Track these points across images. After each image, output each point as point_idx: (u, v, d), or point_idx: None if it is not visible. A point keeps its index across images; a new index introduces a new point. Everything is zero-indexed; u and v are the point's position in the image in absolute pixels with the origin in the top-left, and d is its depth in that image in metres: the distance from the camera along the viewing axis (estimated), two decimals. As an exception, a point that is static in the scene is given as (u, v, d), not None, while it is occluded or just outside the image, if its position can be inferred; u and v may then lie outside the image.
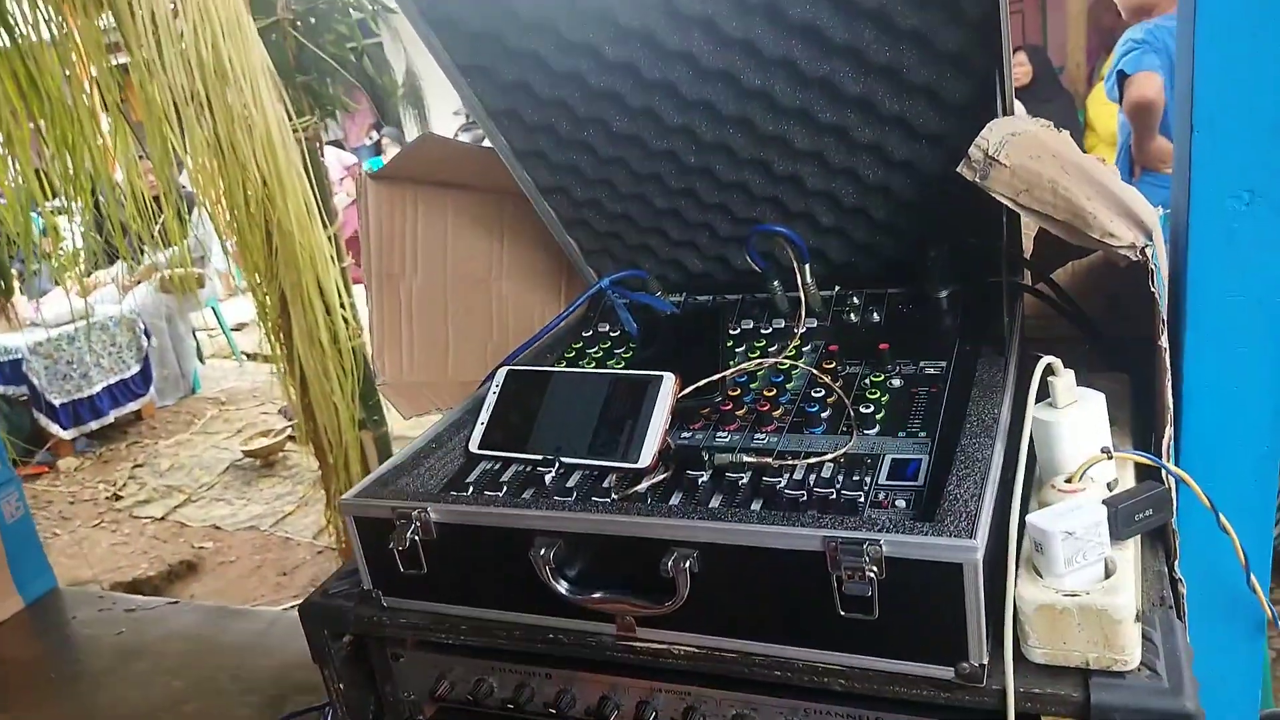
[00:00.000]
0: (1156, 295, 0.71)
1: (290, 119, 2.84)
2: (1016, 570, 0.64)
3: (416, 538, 0.78)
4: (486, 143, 1.11)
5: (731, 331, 1.04)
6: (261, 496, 4.50)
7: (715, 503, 0.77)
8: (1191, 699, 0.60)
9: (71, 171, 3.05)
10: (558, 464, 0.86)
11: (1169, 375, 0.72)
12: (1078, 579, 0.62)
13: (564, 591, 0.74)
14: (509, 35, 0.96)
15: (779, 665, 0.69)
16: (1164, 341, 0.71)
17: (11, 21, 2.31)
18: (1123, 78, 2.39)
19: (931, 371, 0.89)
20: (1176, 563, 0.72)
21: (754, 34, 0.89)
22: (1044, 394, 0.72)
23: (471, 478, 0.88)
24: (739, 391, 0.92)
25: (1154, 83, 2.30)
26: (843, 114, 0.93)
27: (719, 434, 0.87)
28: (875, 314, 0.99)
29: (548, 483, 0.85)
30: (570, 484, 0.84)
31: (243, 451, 4.85)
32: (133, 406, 5.54)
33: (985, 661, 0.63)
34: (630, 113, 1.00)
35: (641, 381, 0.90)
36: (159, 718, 1.38)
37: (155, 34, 2.28)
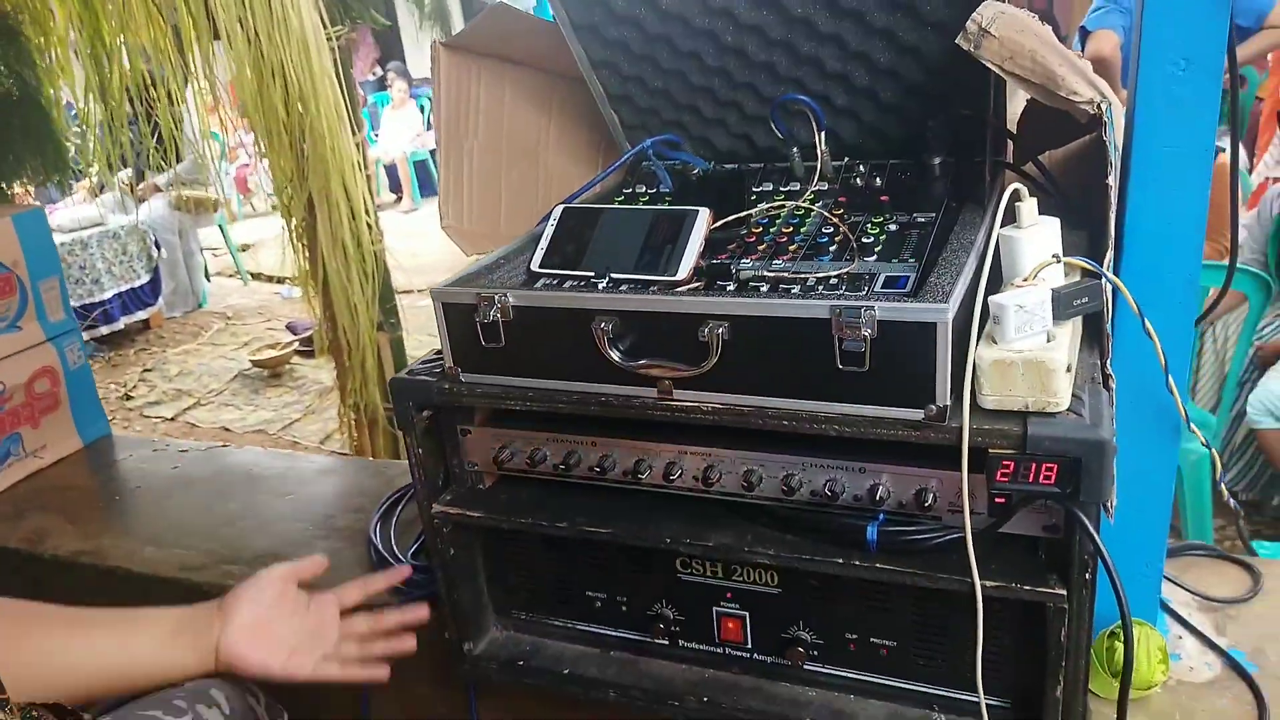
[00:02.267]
0: (1107, 141, 0.89)
1: (325, 26, 2.98)
2: (978, 338, 0.82)
3: (497, 317, 0.96)
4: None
5: (754, 189, 1.21)
6: (269, 404, 4.68)
7: (741, 299, 0.95)
8: (1107, 431, 0.78)
9: (109, 72, 3.17)
10: (608, 278, 1.04)
11: (1113, 208, 0.90)
12: (1024, 344, 0.81)
13: (617, 359, 0.92)
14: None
15: (787, 416, 0.88)
16: (1111, 180, 0.89)
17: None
18: (1084, 34, 2.57)
19: (922, 219, 1.06)
20: (1109, 361, 0.90)
21: (791, -77, 1.05)
22: (1011, 221, 0.90)
23: (535, 286, 1.06)
24: (760, 230, 1.10)
25: (1110, 40, 2.48)
26: (861, 0, 1.10)
27: (743, 261, 1.05)
28: (878, 179, 1.17)
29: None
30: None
31: (251, 361, 5.02)
32: (141, 315, 5.70)
33: (948, 404, 0.82)
34: (678, -8, 1.17)
35: (679, 214, 1.07)
36: (218, 530, 1.56)
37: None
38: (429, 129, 8.84)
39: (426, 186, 8.70)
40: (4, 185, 2.25)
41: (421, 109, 8.84)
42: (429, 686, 1.29)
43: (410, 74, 9.10)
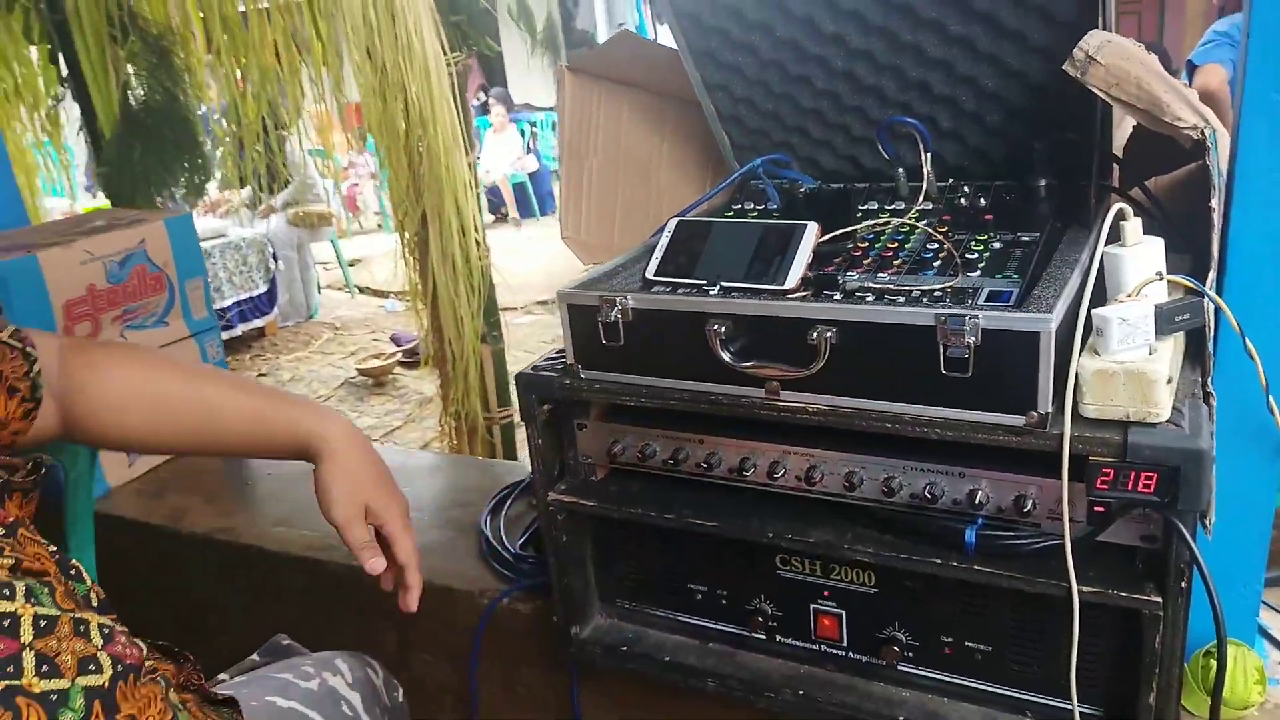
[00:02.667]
0: (1210, 166, 0.91)
1: (445, 53, 3.15)
2: (1081, 350, 0.86)
3: (618, 318, 1.03)
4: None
5: (860, 207, 1.26)
6: (372, 411, 4.89)
7: (848, 308, 1.00)
8: (1206, 442, 0.81)
9: (241, 93, 3.40)
10: (719, 286, 1.11)
11: (1217, 230, 0.92)
12: (1126, 356, 0.84)
13: (728, 359, 0.98)
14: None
15: (890, 419, 0.92)
16: (1215, 203, 0.92)
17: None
18: (1191, 68, 2.53)
19: (1026, 238, 1.09)
20: (1210, 379, 0.92)
21: (903, -44, 1.11)
22: (1115, 240, 0.93)
23: (652, 292, 1.13)
24: (866, 245, 1.15)
25: (1218, 74, 2.44)
26: (970, 27, 1.14)
27: (849, 273, 1.10)
28: (982, 199, 1.20)
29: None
30: (731, 297, 1.09)
31: (357, 370, 5.25)
32: (258, 323, 6.00)
33: (1049, 411, 0.85)
34: (792, 19, 1.23)
35: (788, 228, 1.12)
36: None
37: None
38: (528, 152, 9.11)
39: (525, 208, 8.95)
40: (157, 191, 2.46)
41: (521, 132, 9.11)
42: (534, 669, 1.36)
43: (511, 99, 9.41)
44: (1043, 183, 1.17)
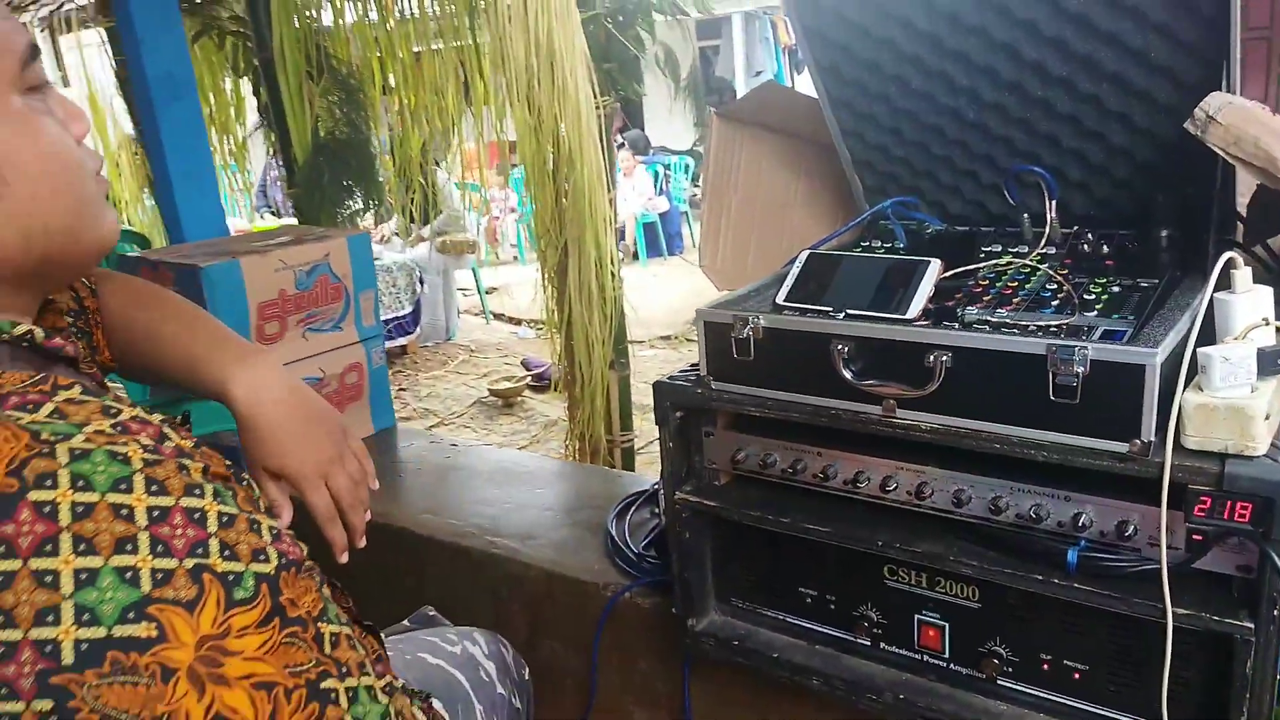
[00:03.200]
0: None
1: (595, 97, 3.38)
2: (1185, 384, 0.92)
3: (750, 335, 1.15)
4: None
5: (984, 248, 1.34)
6: (500, 430, 5.13)
7: (964, 338, 1.09)
8: (1302, 477, 0.86)
9: (411, 128, 3.70)
10: (844, 314, 1.20)
11: (1332, 282, 0.96)
12: (1228, 393, 0.90)
13: (849, 377, 1.08)
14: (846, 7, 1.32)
15: (999, 440, 1.00)
16: (1331, 256, 0.96)
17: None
18: None
19: (1145, 284, 1.15)
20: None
21: (1034, 15, 1.20)
22: (1225, 285, 0.99)
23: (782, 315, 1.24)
24: (988, 283, 1.23)
25: None
26: (1099, 85, 1.22)
27: (969, 308, 1.18)
28: (1105, 246, 1.26)
29: (838, 321, 1.19)
30: (855, 323, 1.18)
31: (489, 390, 5.52)
32: (401, 341, 6.39)
33: (1152, 440, 0.91)
34: (926, 72, 1.33)
35: (912, 263, 1.21)
36: (482, 508, 1.82)
37: (508, 15, 2.86)
38: (659, 194, 9.36)
39: (653, 248, 9.18)
40: (338, 212, 2.74)
41: (655, 175, 9.38)
42: (650, 660, 1.47)
43: (647, 141, 9.72)
44: (1165, 233, 1.22)
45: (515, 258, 9.62)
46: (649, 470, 3.54)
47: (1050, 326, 1.07)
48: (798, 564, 1.25)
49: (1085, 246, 1.28)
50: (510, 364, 6.22)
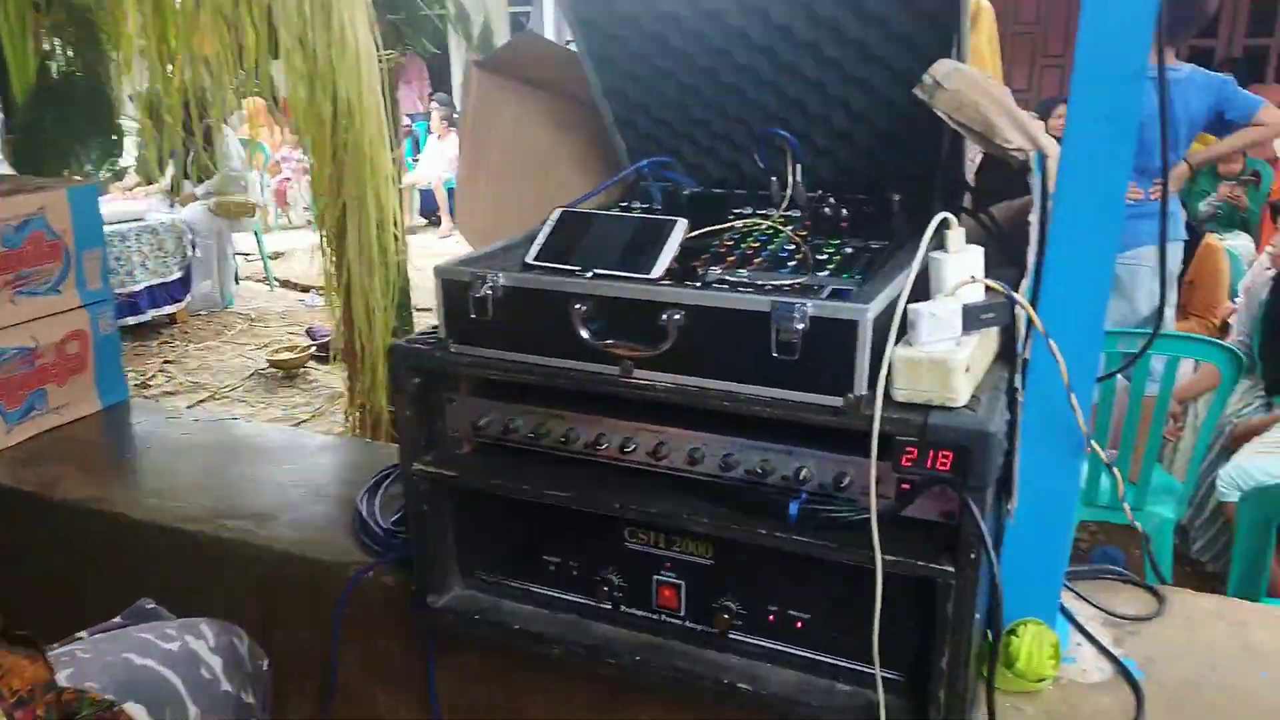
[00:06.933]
0: (1033, 185, 1.01)
1: (378, 49, 3.18)
2: (897, 340, 0.94)
3: (488, 294, 1.09)
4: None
5: (735, 210, 1.34)
6: (280, 403, 4.83)
7: (701, 295, 1.07)
8: (995, 426, 0.90)
9: (170, 76, 3.37)
10: (591, 273, 1.17)
11: (1034, 243, 1.02)
12: (934, 347, 0.93)
13: (587, 337, 1.05)
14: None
15: (727, 397, 1.00)
16: (1033, 218, 1.02)
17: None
18: None
19: (875, 245, 1.18)
20: (1017, 376, 1.02)
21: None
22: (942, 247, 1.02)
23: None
24: (733, 244, 1.23)
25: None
26: (842, 50, 1.24)
27: (712, 268, 1.17)
28: (844, 210, 1.29)
29: (582, 279, 1.15)
30: (598, 281, 1.15)
31: (268, 361, 5.18)
32: (168, 309, 5.88)
33: (864, 393, 0.93)
34: (684, 32, 1.31)
35: (660, 223, 1.19)
36: (218, 489, 1.67)
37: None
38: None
39: (459, 214, 8.92)
40: (64, 163, 2.43)
41: (463, 140, 9.11)
42: (394, 642, 1.39)
43: (455, 105, 9.43)
44: (896, 198, 1.26)
45: (309, 223, 9.08)
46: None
47: (784, 286, 1.08)
48: (541, 532, 1.21)
49: (826, 210, 1.30)
50: (296, 333, 5.86)
